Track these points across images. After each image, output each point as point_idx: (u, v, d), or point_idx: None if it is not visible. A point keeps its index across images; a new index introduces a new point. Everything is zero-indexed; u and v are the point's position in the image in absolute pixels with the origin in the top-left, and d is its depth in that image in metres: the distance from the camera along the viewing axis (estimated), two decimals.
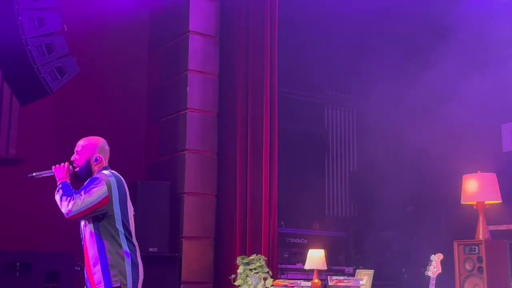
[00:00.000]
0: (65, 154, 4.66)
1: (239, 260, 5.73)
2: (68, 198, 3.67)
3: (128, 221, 3.83)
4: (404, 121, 7.42)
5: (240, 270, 5.63)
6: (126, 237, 3.79)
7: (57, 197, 3.75)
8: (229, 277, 5.74)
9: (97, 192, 3.71)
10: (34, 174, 3.87)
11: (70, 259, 5.54)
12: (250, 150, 6.65)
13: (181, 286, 6.42)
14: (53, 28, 5.83)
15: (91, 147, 3.94)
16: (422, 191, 7.24)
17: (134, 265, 3.79)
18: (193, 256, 6.58)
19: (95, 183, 3.75)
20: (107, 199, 3.73)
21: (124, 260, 3.73)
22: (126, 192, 3.89)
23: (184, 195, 6.67)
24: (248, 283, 5.55)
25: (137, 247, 3.88)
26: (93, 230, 3.74)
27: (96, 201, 3.70)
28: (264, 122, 6.56)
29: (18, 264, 5.46)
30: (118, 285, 3.69)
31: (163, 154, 7.15)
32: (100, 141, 4.01)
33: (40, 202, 4.99)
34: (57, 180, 3.81)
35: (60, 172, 3.83)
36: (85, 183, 3.82)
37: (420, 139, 7.04)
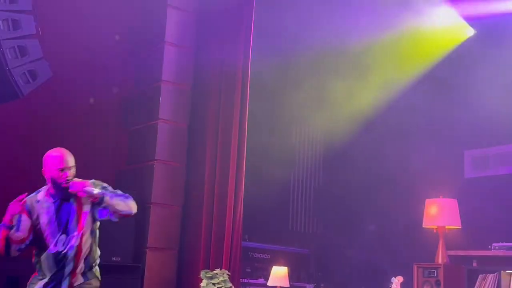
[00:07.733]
0: (32, 158, 4.65)
1: (202, 274, 5.75)
2: (131, 198, 3.96)
3: None
4: (371, 144, 7.57)
5: (203, 284, 5.65)
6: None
7: (120, 199, 3.92)
8: None
9: None
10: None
11: None
12: (218, 163, 6.68)
13: None
14: (28, 31, 5.78)
15: None
16: (386, 211, 7.36)
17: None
18: (156, 267, 6.56)
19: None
20: None
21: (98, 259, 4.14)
22: None
23: (151, 205, 6.65)
24: None
25: None
26: (94, 230, 4.06)
27: None
28: (233, 135, 6.61)
29: None
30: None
31: (131, 163, 7.12)
32: None
33: None
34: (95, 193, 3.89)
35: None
36: (110, 189, 3.97)
37: (390, 163, 7.20)
